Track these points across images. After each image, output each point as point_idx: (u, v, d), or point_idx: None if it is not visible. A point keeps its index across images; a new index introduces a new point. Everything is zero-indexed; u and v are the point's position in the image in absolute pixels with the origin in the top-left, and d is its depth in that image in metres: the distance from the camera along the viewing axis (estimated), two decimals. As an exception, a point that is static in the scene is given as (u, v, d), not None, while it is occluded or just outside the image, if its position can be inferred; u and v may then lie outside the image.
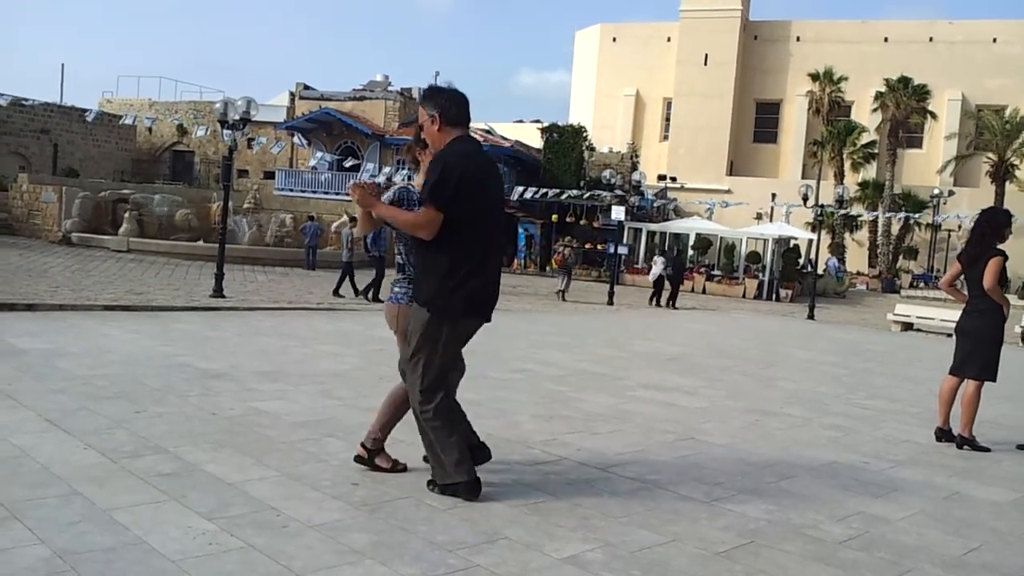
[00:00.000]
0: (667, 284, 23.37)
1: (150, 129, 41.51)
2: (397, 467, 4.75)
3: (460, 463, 4.35)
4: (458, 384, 4.77)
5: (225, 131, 16.22)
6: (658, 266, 23.70)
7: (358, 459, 4.71)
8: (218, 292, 14.38)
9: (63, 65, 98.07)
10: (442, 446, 4.34)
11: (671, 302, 23.17)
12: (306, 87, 41.65)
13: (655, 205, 40.34)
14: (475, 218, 4.30)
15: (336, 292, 16.89)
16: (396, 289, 4.68)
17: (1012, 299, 23.93)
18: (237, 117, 16.04)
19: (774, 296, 31.57)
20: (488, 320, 4.50)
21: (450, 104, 4.39)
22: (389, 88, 41.31)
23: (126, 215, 24.65)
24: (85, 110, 33.59)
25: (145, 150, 43.85)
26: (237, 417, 5.81)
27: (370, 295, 16.54)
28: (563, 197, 34.20)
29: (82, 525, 3.61)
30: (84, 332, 9.31)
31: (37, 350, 7.87)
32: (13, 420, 5.24)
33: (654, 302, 23.24)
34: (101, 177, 34.72)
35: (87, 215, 25.06)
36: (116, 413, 5.61)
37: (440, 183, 4.18)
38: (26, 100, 31.65)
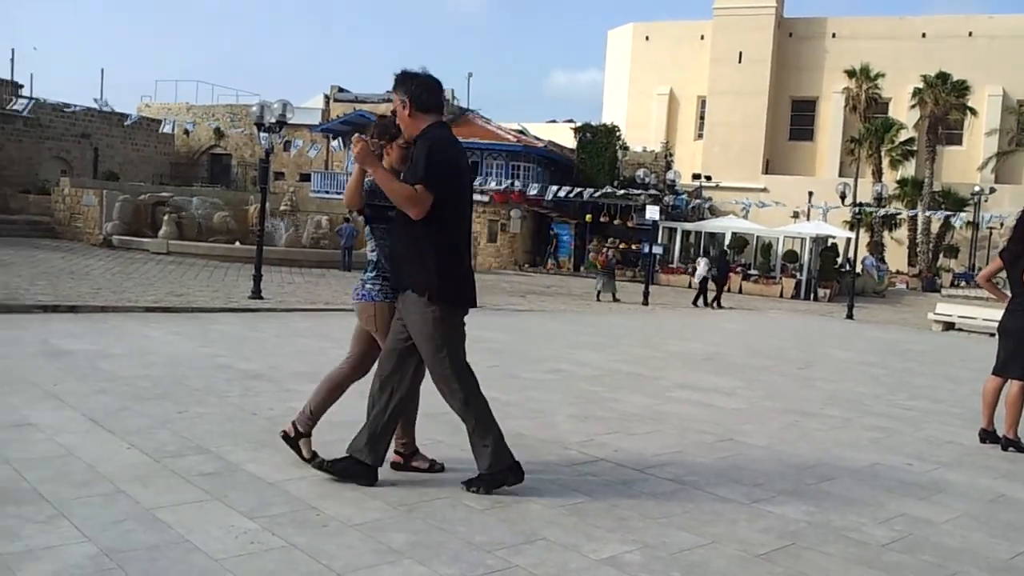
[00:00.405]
0: (711, 284, 23.46)
1: (188, 132, 42.12)
2: (435, 467, 4.76)
3: (497, 451, 4.42)
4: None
5: (262, 134, 16.40)
6: (702, 267, 23.78)
7: (395, 466, 4.72)
8: (256, 294, 14.53)
9: (103, 70, 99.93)
10: (487, 434, 4.41)
11: (716, 302, 23.23)
12: (340, 90, 42.00)
13: (690, 204, 40.11)
14: (459, 203, 4.37)
15: None
16: (369, 286, 4.58)
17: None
18: (273, 120, 16.22)
19: (812, 296, 31.29)
20: (472, 305, 4.51)
21: (420, 90, 4.33)
22: (423, 90, 41.43)
23: (165, 218, 24.99)
24: (125, 114, 34.13)
25: (183, 153, 44.43)
26: (277, 417, 5.86)
27: None
28: (596, 195, 34.16)
29: (127, 523, 3.66)
30: (126, 333, 9.46)
31: (81, 351, 8.00)
32: (59, 420, 5.33)
33: (700, 302, 23.27)
34: (140, 180, 35.22)
35: (127, 218, 25.44)
36: (158, 413, 5.68)
37: (431, 164, 4.17)
38: (68, 106, 32.20)
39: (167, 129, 31.82)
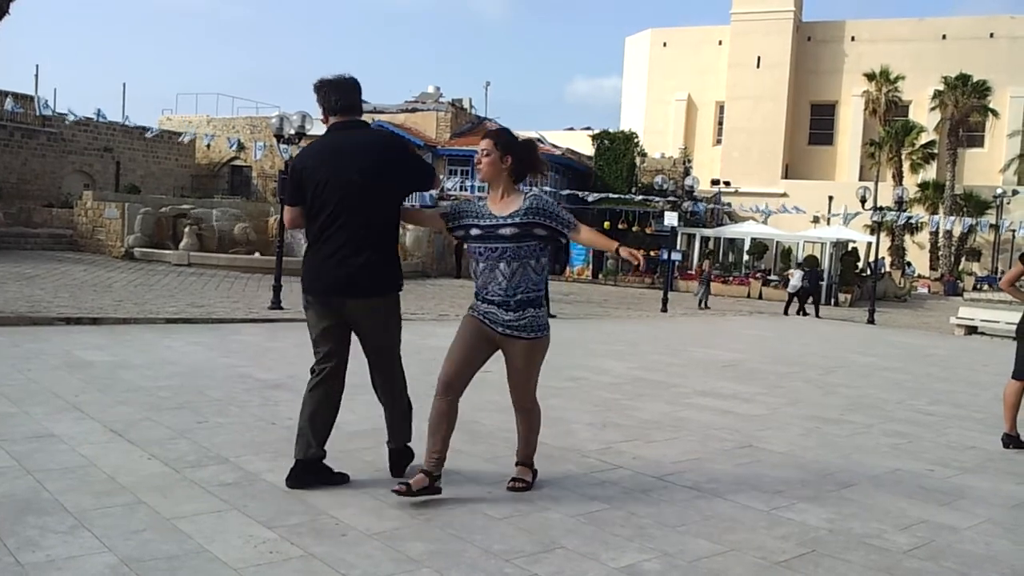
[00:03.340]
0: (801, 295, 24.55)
1: (208, 145, 42.44)
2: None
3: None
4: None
5: (281, 146, 16.50)
6: (796, 278, 24.70)
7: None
8: (276, 304, 14.61)
9: (124, 84, 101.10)
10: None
11: (816, 311, 24.15)
12: (359, 100, 42.15)
13: (709, 209, 40.00)
14: (312, 203, 4.45)
15: None
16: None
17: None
18: (292, 131, 16.31)
19: (833, 301, 31.07)
20: (318, 295, 4.52)
21: (325, 94, 4.47)
22: (440, 99, 41.67)
23: (186, 230, 25.18)
24: (146, 128, 34.44)
25: (204, 165, 44.76)
26: (295, 427, 5.88)
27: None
28: (609, 196, 34.35)
29: (146, 533, 3.69)
30: (147, 344, 9.53)
31: (102, 362, 8.07)
32: (80, 431, 5.38)
33: (790, 311, 24.25)
34: (162, 193, 35.51)
35: (149, 230, 25.66)
36: (179, 424, 5.72)
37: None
38: (91, 119, 32.51)
39: (186, 140, 32.24)
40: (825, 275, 29.85)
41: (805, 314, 23.99)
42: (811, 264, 27.83)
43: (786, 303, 24.88)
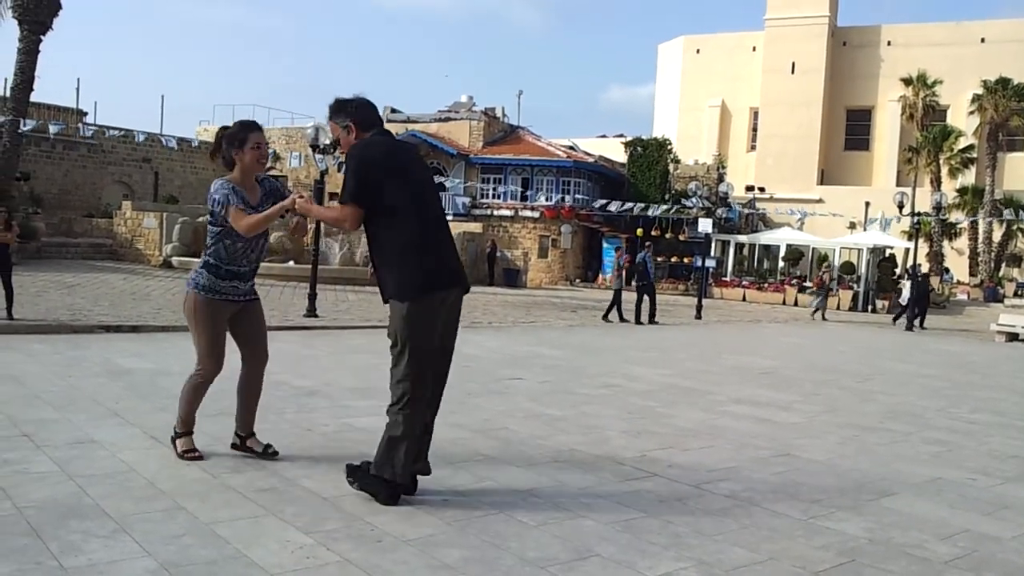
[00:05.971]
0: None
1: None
2: (268, 451, 5.16)
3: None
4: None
5: (316, 155, 16.65)
6: (907, 289, 24.58)
7: (233, 447, 5.28)
8: (311, 312, 14.72)
9: (163, 96, 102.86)
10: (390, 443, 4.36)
11: (919, 322, 23.43)
12: (393, 110, 42.41)
13: (744, 215, 39.74)
14: (405, 199, 4.33)
15: (605, 317, 18.71)
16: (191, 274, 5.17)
17: None
18: (328, 142, 16.44)
19: (870, 307, 30.70)
20: (457, 287, 4.49)
21: (360, 111, 4.52)
22: (473, 108, 41.82)
23: (223, 239, 25.45)
24: (184, 139, 34.98)
25: (240, 176, 45.31)
26: (332, 433, 5.93)
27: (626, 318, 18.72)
28: (643, 208, 34.12)
29: (185, 539, 3.73)
30: (185, 352, 9.60)
31: (142, 370, 8.18)
32: (121, 437, 5.46)
33: (906, 324, 23.55)
34: (199, 203, 35.91)
35: (186, 239, 26.00)
36: (216, 430, 5.78)
37: (348, 180, 4.32)
38: (131, 131, 33.10)
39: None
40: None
41: (910, 328, 22.75)
42: (919, 273, 27.11)
43: (904, 315, 23.61)
